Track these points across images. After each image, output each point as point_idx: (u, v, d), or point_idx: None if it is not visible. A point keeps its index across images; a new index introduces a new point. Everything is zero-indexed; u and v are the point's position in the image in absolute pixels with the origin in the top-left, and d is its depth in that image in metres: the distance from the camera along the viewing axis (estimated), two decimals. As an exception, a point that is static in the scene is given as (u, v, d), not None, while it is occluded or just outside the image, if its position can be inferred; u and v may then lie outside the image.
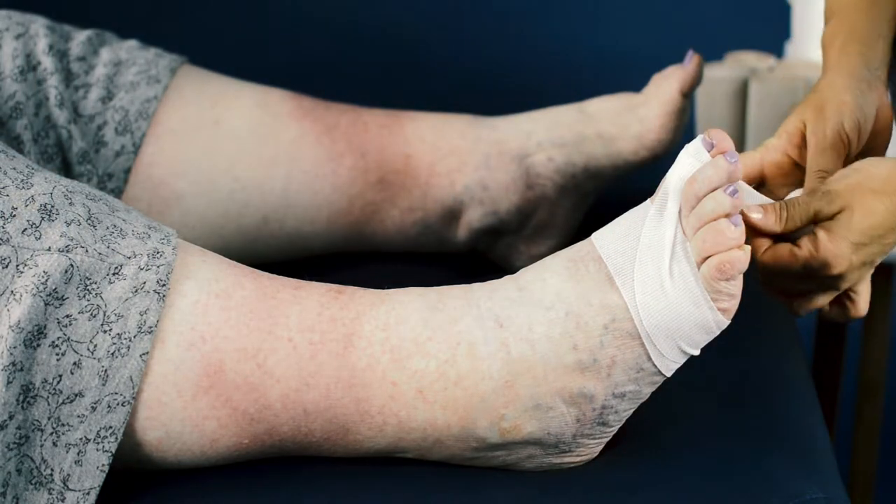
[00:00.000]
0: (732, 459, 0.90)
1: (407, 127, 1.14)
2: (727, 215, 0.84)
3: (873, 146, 0.95)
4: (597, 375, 0.86)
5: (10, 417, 0.82)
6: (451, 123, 1.15)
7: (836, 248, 0.86)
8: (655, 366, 0.86)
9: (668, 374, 0.87)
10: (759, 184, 0.95)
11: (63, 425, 0.83)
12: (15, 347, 0.82)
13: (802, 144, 0.94)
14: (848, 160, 0.92)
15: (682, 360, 0.86)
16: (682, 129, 1.14)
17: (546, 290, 0.87)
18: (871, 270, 0.89)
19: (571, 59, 1.71)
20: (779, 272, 0.88)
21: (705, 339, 0.85)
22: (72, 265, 0.84)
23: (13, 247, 0.83)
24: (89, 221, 0.86)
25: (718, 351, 0.90)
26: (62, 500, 0.83)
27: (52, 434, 0.83)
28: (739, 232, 0.83)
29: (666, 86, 1.12)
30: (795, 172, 0.95)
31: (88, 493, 0.83)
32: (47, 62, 1.04)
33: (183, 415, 0.85)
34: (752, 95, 1.56)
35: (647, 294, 0.84)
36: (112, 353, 0.84)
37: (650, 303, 0.84)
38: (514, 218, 1.14)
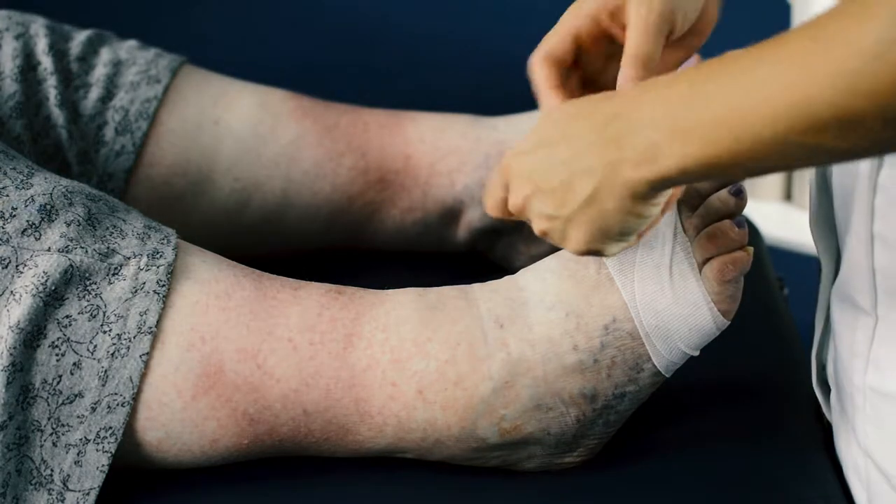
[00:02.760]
0: (732, 459, 0.90)
1: (407, 127, 1.14)
2: (731, 216, 0.84)
3: (697, 28, 0.86)
4: (597, 376, 0.85)
5: (10, 418, 0.82)
6: (451, 123, 1.15)
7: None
8: (656, 366, 0.86)
9: (669, 375, 0.87)
10: (575, 56, 0.84)
11: (63, 426, 0.83)
12: (15, 348, 0.82)
13: (616, 13, 0.83)
14: (671, 39, 0.84)
15: (682, 361, 0.86)
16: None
17: (546, 290, 0.87)
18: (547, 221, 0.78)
19: (571, 59, 1.71)
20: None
21: (705, 340, 0.85)
22: (71, 265, 0.84)
23: (13, 247, 0.83)
24: (89, 222, 0.86)
25: (718, 351, 0.90)
26: (62, 501, 0.83)
27: (51, 434, 0.83)
28: (743, 233, 0.83)
29: (666, 86, 1.12)
30: (607, 44, 0.85)
31: (88, 494, 0.83)
32: (47, 62, 1.03)
33: (183, 415, 0.85)
34: (752, 95, 1.56)
35: (647, 295, 0.84)
36: (112, 354, 0.84)
37: (651, 303, 0.84)
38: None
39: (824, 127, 0.62)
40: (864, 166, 0.80)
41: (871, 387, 0.83)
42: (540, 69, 0.83)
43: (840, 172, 0.84)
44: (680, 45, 0.85)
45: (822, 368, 0.93)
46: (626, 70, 0.80)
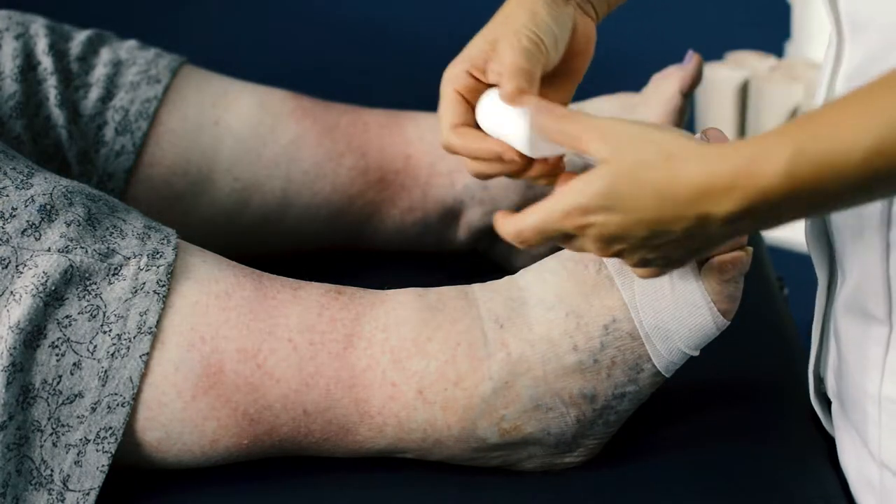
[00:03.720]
0: (732, 459, 0.90)
1: (407, 127, 1.14)
2: None
3: (572, 67, 0.87)
4: (597, 376, 0.86)
5: (10, 418, 0.82)
6: (451, 123, 1.15)
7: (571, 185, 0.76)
8: (655, 366, 0.86)
9: (668, 375, 0.87)
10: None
11: (63, 426, 0.83)
12: (15, 348, 0.82)
13: (486, 67, 0.83)
14: (545, 69, 0.83)
15: (682, 361, 0.86)
16: (682, 129, 1.14)
17: (546, 290, 0.87)
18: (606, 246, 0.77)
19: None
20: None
21: (705, 340, 0.85)
22: (71, 265, 0.84)
23: (13, 247, 0.83)
24: (89, 222, 0.86)
25: (718, 351, 0.90)
26: (62, 501, 0.83)
27: (51, 435, 0.83)
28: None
29: (666, 86, 1.12)
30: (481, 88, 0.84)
31: (88, 494, 0.83)
32: (47, 62, 1.03)
33: (183, 415, 0.85)
34: (752, 95, 1.56)
35: (647, 295, 0.84)
36: (112, 354, 0.84)
37: (651, 303, 0.84)
38: (514, 218, 1.14)
39: None
40: None
41: (888, 396, 0.82)
42: (459, 137, 0.82)
43: None
44: (567, 71, 0.86)
45: (819, 381, 0.93)
46: (507, 84, 0.80)
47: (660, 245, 0.74)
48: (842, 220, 0.83)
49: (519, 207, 1.13)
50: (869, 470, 0.85)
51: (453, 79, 0.83)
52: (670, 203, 0.71)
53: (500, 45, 0.82)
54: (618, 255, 0.76)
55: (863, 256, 0.82)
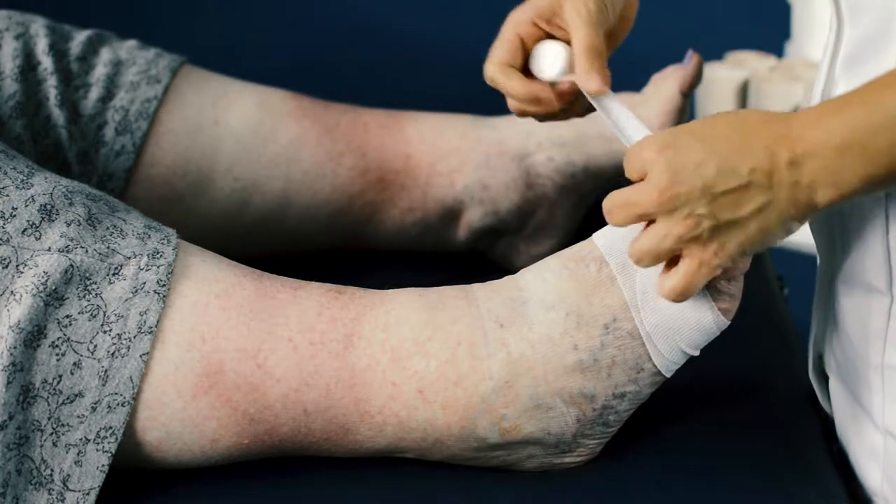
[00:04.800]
0: (732, 460, 0.90)
1: (407, 127, 1.14)
2: None
3: (616, 32, 0.93)
4: (597, 375, 0.86)
5: (10, 418, 0.82)
6: (451, 123, 1.15)
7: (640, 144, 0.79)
8: (656, 366, 0.86)
9: (669, 375, 0.87)
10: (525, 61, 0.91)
11: (63, 426, 0.83)
12: (15, 348, 0.82)
13: (552, 19, 0.90)
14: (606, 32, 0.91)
15: (682, 361, 0.86)
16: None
17: (546, 290, 0.87)
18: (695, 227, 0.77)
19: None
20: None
21: (706, 340, 0.85)
22: (72, 265, 0.84)
23: (13, 247, 0.83)
24: (89, 221, 0.86)
25: (718, 351, 0.90)
26: (62, 501, 0.83)
27: (51, 434, 0.83)
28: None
29: (666, 86, 1.12)
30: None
31: (88, 494, 0.83)
32: (47, 62, 1.03)
33: (183, 415, 0.85)
34: (752, 95, 1.56)
35: (648, 294, 0.84)
36: (112, 354, 0.84)
37: (651, 303, 0.84)
38: (514, 218, 1.14)
39: None
40: None
41: (891, 365, 0.84)
42: (504, 76, 0.90)
43: None
44: (611, 34, 0.92)
45: (818, 358, 0.93)
46: (583, 63, 0.87)
47: (725, 196, 0.76)
48: None
49: (519, 207, 1.13)
50: (872, 439, 0.86)
51: (518, 23, 0.90)
52: (738, 132, 0.76)
53: (567, 4, 0.88)
54: (680, 199, 0.76)
55: (863, 229, 0.83)
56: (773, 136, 0.76)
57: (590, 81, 0.86)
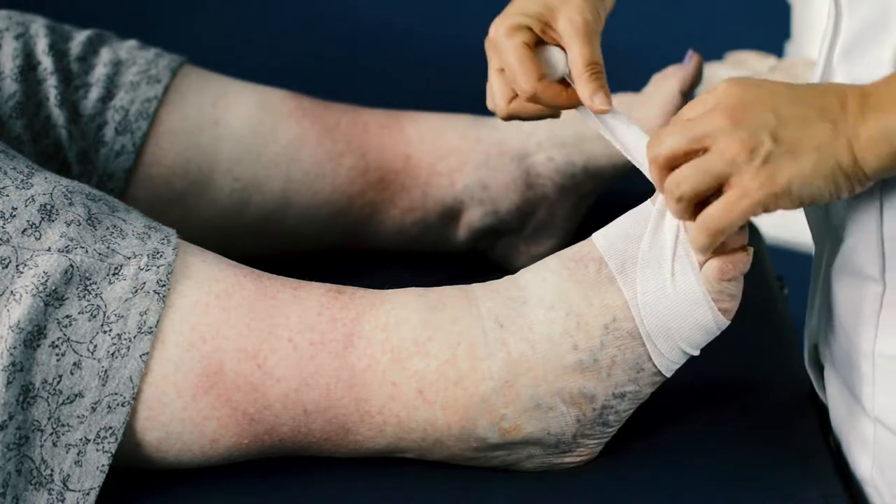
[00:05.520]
0: (731, 459, 0.90)
1: (407, 127, 1.14)
2: None
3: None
4: (597, 375, 0.86)
5: (10, 418, 0.82)
6: (451, 123, 1.15)
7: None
8: (656, 366, 0.86)
9: (669, 375, 0.87)
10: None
11: (63, 426, 0.83)
12: (15, 348, 0.82)
13: (546, 30, 0.89)
14: None
15: (682, 361, 0.86)
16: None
17: (546, 290, 0.87)
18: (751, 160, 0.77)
19: (571, 59, 1.71)
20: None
21: (706, 340, 0.85)
22: (72, 265, 0.84)
23: (13, 247, 0.83)
24: (89, 221, 0.86)
25: (718, 351, 0.90)
26: (62, 501, 0.83)
27: (51, 434, 0.83)
28: (743, 233, 0.83)
29: (666, 86, 1.12)
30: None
31: (88, 494, 0.83)
32: (47, 62, 1.03)
33: (183, 415, 0.85)
34: (752, 95, 1.56)
35: (648, 294, 0.84)
36: (112, 354, 0.84)
37: (651, 303, 0.84)
38: (514, 218, 1.14)
39: None
40: None
41: (882, 353, 0.84)
42: (545, 91, 0.88)
43: None
44: None
45: (813, 348, 0.94)
46: (585, 83, 0.87)
47: (792, 120, 0.76)
48: None
49: (519, 208, 1.13)
50: (863, 427, 0.87)
51: (518, 32, 0.88)
52: (799, 90, 0.77)
53: (561, 14, 0.87)
54: (749, 112, 0.76)
55: (857, 217, 0.83)
56: (845, 88, 0.76)
57: (595, 102, 0.86)
